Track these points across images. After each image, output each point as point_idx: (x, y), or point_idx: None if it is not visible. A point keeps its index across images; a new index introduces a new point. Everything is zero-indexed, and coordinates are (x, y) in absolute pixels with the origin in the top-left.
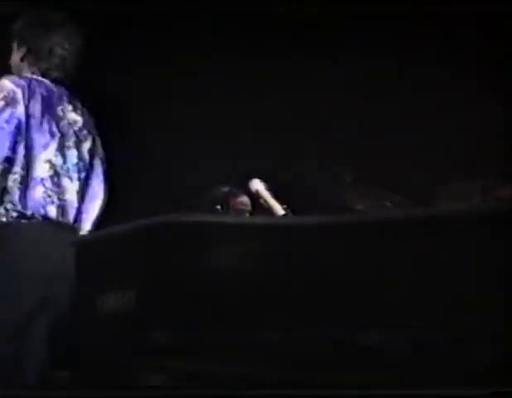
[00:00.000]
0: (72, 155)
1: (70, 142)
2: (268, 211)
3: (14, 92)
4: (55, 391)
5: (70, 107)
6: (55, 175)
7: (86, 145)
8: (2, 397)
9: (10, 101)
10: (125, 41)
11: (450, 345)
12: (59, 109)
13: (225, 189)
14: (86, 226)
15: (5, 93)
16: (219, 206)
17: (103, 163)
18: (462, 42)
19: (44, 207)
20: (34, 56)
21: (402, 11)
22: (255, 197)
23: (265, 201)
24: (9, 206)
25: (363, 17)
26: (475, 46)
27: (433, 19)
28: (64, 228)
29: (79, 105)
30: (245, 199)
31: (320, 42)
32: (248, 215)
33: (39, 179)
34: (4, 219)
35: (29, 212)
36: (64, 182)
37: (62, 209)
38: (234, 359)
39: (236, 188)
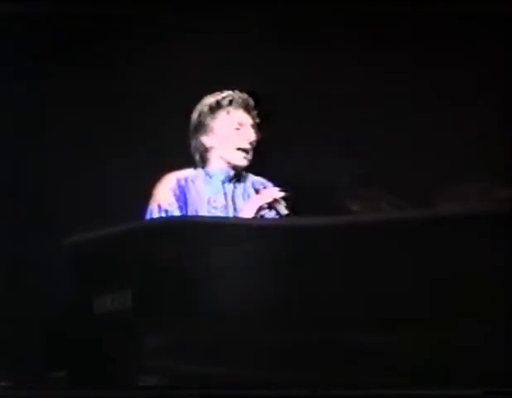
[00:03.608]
0: None
1: None
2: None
3: None
4: (55, 391)
5: None
6: None
7: None
8: (2, 397)
9: None
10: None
11: (444, 345)
12: None
13: None
14: None
15: None
16: None
17: None
18: (462, 42)
19: None
20: None
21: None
22: None
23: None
24: None
25: (362, 17)
26: (475, 47)
27: (433, 19)
28: None
29: None
30: None
31: (319, 42)
32: None
33: None
34: None
35: None
36: None
37: None
38: (233, 359)
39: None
